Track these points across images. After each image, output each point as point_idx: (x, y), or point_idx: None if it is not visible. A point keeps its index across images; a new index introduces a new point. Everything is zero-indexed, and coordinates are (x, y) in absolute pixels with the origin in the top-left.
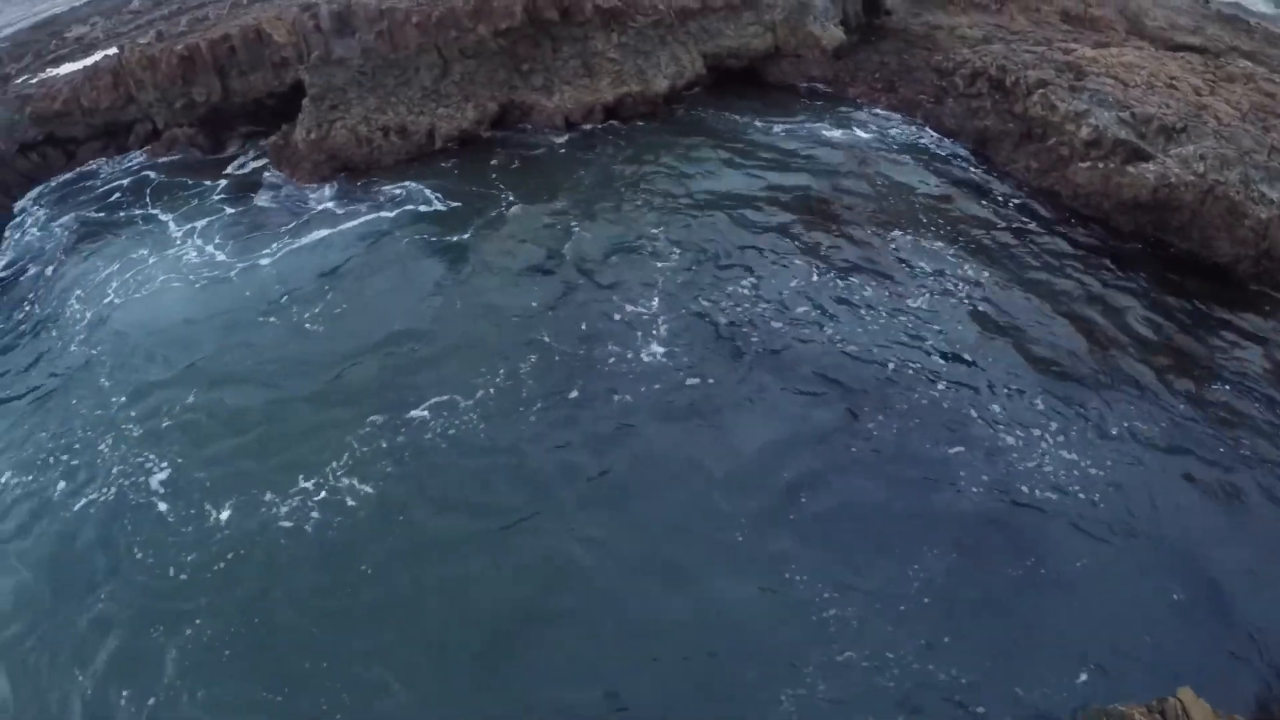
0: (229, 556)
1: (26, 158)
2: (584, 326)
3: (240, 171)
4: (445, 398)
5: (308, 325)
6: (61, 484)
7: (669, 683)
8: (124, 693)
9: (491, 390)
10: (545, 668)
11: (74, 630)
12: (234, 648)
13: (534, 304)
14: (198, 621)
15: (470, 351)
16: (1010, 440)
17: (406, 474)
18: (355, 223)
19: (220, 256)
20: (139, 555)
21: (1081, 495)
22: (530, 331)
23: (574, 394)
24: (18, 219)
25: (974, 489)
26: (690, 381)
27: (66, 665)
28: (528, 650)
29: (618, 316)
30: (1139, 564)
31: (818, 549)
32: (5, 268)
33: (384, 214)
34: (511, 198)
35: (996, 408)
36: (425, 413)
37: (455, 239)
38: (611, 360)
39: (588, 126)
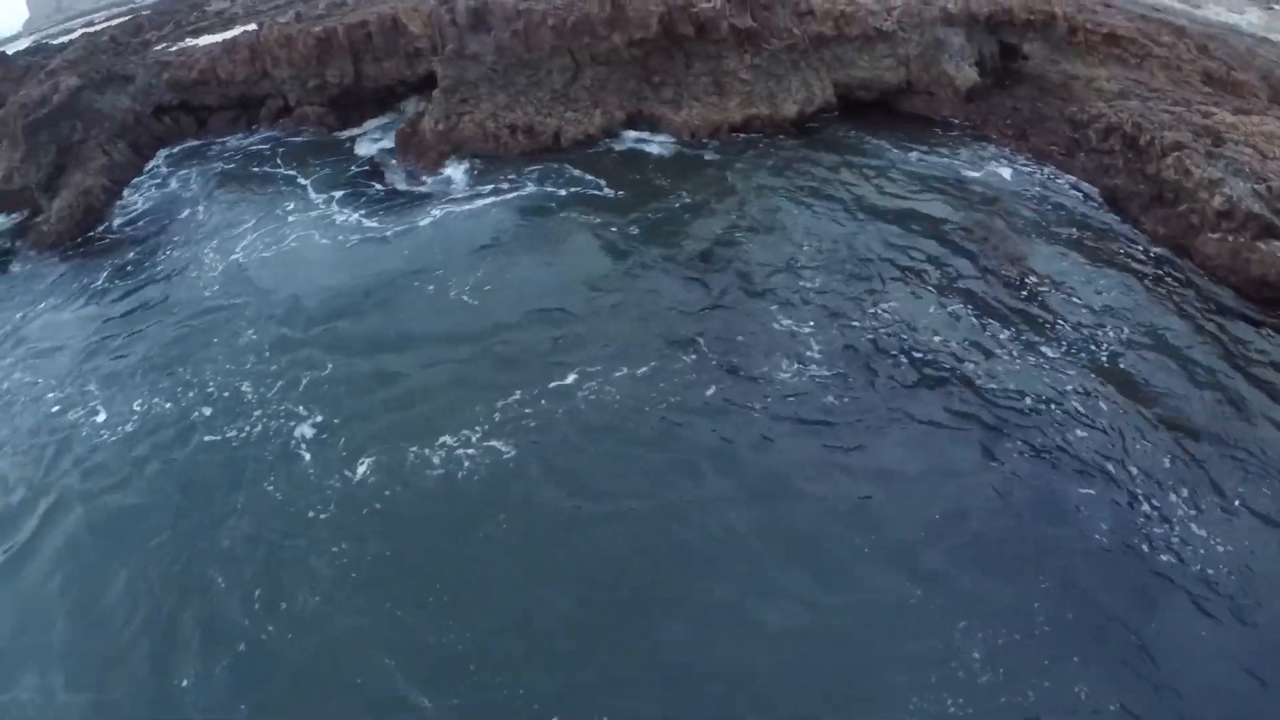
0: (365, 503)
1: (160, 121)
2: (730, 328)
3: (366, 152)
4: (589, 378)
5: (453, 293)
6: (205, 419)
7: (796, 681)
8: (254, 607)
9: (635, 375)
10: (667, 650)
11: (214, 549)
12: (364, 577)
13: (679, 297)
14: (330, 557)
15: (616, 336)
16: (1140, 496)
17: (542, 444)
18: (492, 201)
19: (360, 223)
20: (277, 493)
21: (1204, 570)
22: (675, 324)
23: (711, 391)
24: (150, 175)
25: (1097, 536)
26: (830, 399)
27: (202, 577)
28: (646, 629)
29: (763, 323)
30: (1249, 655)
31: (948, 570)
32: (142, 218)
33: (523, 197)
34: (650, 196)
35: (1128, 462)
36: (567, 389)
37: (599, 228)
38: (755, 366)
39: (714, 141)
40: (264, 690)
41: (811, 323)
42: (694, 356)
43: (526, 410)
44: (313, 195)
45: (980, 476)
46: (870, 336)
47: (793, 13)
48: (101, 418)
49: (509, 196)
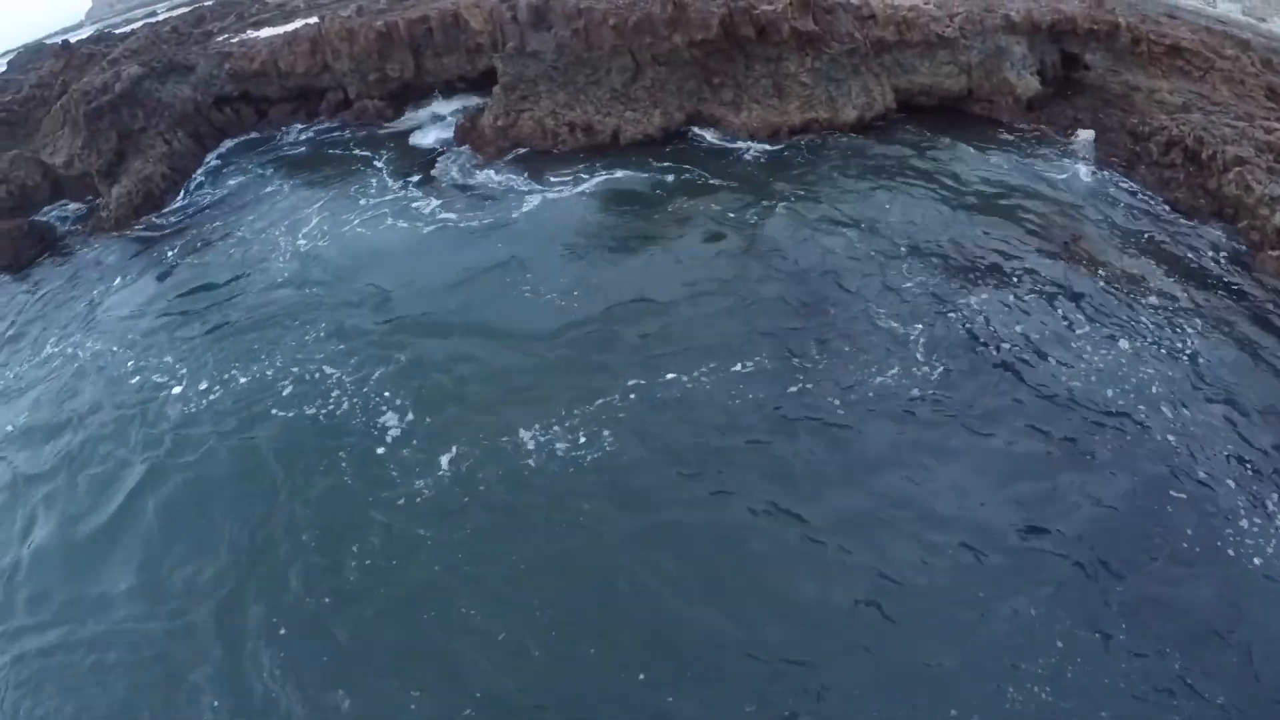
0: (455, 490)
1: (221, 111)
2: (823, 325)
3: (425, 144)
4: (683, 374)
5: (530, 286)
6: (284, 398)
7: (879, 666)
8: (339, 585)
9: (730, 371)
10: (751, 638)
11: (297, 523)
12: (455, 561)
13: (766, 294)
14: (420, 540)
15: (706, 333)
16: (1225, 498)
17: (634, 438)
18: (556, 197)
19: (428, 214)
20: (361, 473)
21: None
22: (764, 321)
23: (805, 387)
24: (211, 165)
25: (1184, 544)
26: (924, 396)
27: (283, 551)
28: (732, 620)
29: (856, 320)
30: None
31: (1034, 567)
32: (205, 205)
33: (589, 194)
34: (718, 194)
35: (1212, 463)
36: (661, 384)
37: (673, 225)
38: (849, 361)
39: (778, 142)
40: (351, 667)
41: (904, 319)
42: (787, 353)
43: (618, 404)
44: (377, 185)
45: (1068, 476)
46: (962, 333)
47: (854, 17)
48: (178, 390)
49: (573, 192)
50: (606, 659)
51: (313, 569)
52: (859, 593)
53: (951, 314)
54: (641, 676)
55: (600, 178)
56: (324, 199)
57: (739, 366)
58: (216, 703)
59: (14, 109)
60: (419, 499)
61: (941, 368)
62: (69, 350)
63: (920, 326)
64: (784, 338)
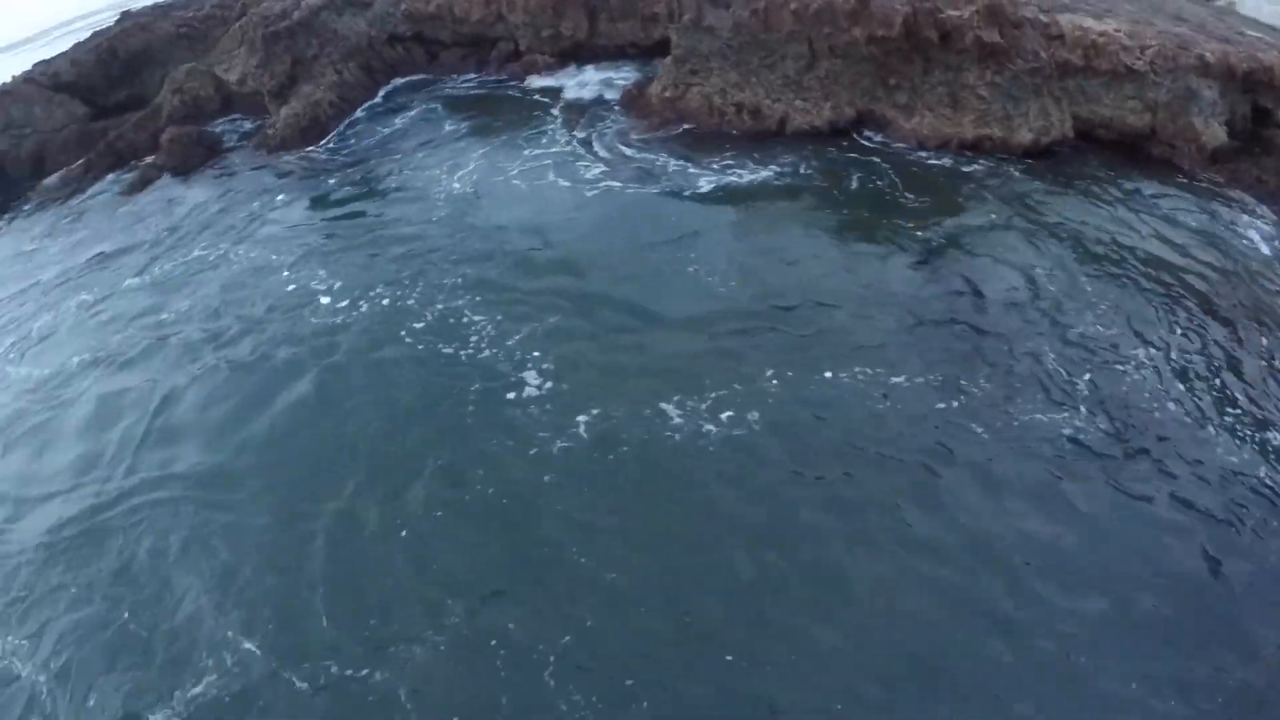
0: (587, 454)
1: (393, 48)
2: (978, 352)
3: (589, 106)
4: (832, 373)
5: (690, 265)
6: (422, 330)
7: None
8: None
9: (879, 382)
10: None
11: (413, 438)
12: (579, 525)
13: (925, 310)
14: (548, 503)
15: (864, 340)
16: None
17: (770, 424)
18: (721, 178)
19: (588, 177)
20: (492, 417)
21: None
22: (920, 335)
23: (948, 412)
24: (380, 99)
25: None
26: (1071, 447)
27: (402, 459)
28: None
29: (1011, 353)
30: None
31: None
32: (369, 137)
33: (754, 180)
34: (883, 200)
35: None
36: (808, 380)
37: (838, 226)
38: (998, 393)
39: (946, 154)
40: (456, 586)
41: (1072, 363)
42: (946, 375)
43: (766, 392)
44: (540, 140)
45: (1213, 552)
46: (1125, 389)
47: (1042, 35)
48: (327, 300)
49: (741, 178)
50: (688, 633)
51: (431, 491)
52: (975, 631)
53: (1118, 366)
54: (729, 658)
55: (769, 166)
56: (486, 146)
57: (895, 378)
58: (319, 597)
59: (194, 25)
60: (548, 450)
61: (1102, 421)
62: (227, 252)
63: (1087, 375)
64: (946, 359)
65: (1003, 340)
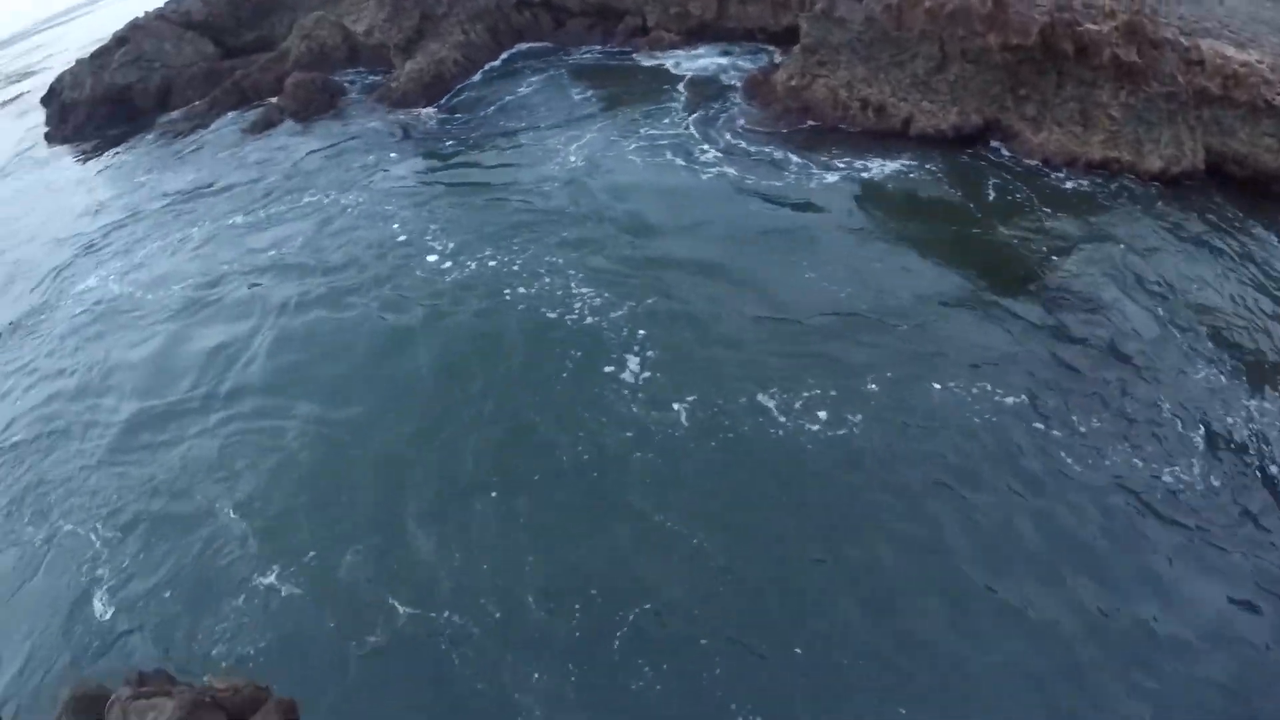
0: (682, 440)
1: (520, 13)
2: (1092, 387)
3: (712, 87)
4: (939, 384)
5: (801, 261)
6: (525, 296)
7: None
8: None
9: (985, 400)
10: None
11: (508, 395)
12: (668, 509)
13: (1049, 339)
14: (629, 460)
15: (975, 356)
16: None
17: (869, 426)
18: (844, 176)
19: (705, 160)
20: (590, 391)
21: None
22: (1038, 359)
23: (1050, 440)
24: (503, 63)
25: None
26: (1176, 501)
27: (497, 414)
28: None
29: (1133, 398)
30: None
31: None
32: (490, 99)
33: (878, 180)
34: (1010, 217)
35: None
36: (913, 387)
37: (964, 239)
38: (1112, 437)
39: (1072, 173)
40: (539, 541)
41: (1188, 410)
42: (1054, 404)
43: (869, 394)
44: (659, 118)
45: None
46: (1242, 445)
47: (1181, 59)
48: (434, 258)
49: (864, 177)
50: (756, 618)
51: (524, 447)
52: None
53: (1235, 421)
54: (797, 651)
55: (892, 167)
56: (604, 119)
57: (1001, 400)
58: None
59: None
60: (641, 426)
61: (1215, 480)
62: (339, 199)
63: (1202, 427)
64: (1056, 389)
65: (1118, 378)
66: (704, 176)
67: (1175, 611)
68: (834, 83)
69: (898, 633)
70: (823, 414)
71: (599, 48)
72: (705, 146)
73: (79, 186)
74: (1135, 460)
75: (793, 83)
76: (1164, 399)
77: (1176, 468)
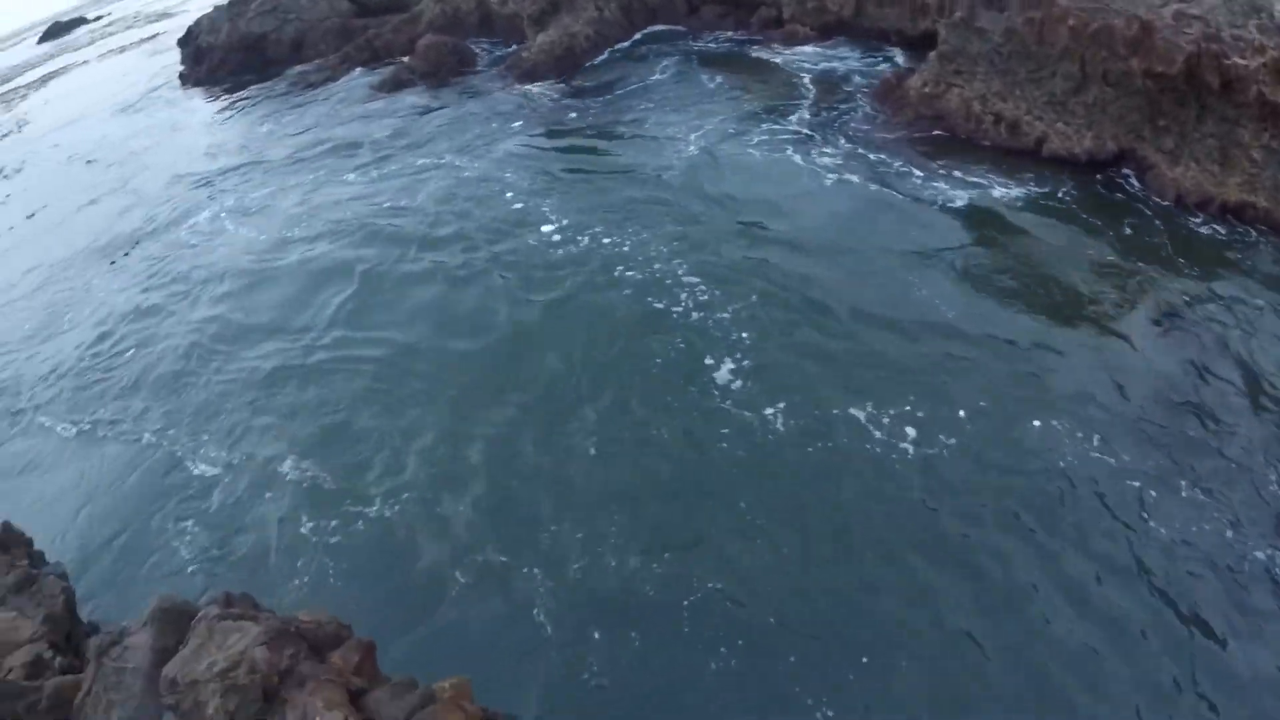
0: (763, 429)
1: None
2: (1205, 459)
3: (841, 87)
4: (1039, 421)
5: (920, 282)
6: (632, 280)
7: None
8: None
9: (1082, 445)
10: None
11: (603, 375)
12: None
13: (1173, 399)
14: (714, 452)
15: (1093, 395)
16: None
17: (962, 452)
18: (977, 194)
19: (832, 163)
20: (679, 386)
21: None
22: (1151, 416)
23: (1145, 496)
24: (635, 41)
25: None
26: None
27: (590, 392)
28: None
29: (1238, 469)
30: None
31: None
32: (619, 78)
33: (1013, 204)
34: (1159, 260)
35: None
36: (1013, 421)
37: (1097, 276)
38: (1214, 509)
39: (1208, 217)
40: (615, 508)
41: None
42: (1160, 465)
43: (964, 421)
44: (785, 115)
45: None
46: None
47: None
48: (548, 228)
49: (987, 192)
50: (818, 625)
51: (615, 426)
52: None
53: None
54: (865, 660)
55: (1020, 187)
56: (729, 110)
57: (1106, 449)
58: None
59: None
60: (734, 423)
61: None
62: (457, 163)
63: None
64: (1168, 447)
65: (1241, 448)
66: (825, 179)
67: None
68: (968, 94)
69: (963, 661)
70: (913, 432)
71: (731, 35)
72: (828, 148)
73: (205, 128)
74: (1230, 534)
75: (926, 89)
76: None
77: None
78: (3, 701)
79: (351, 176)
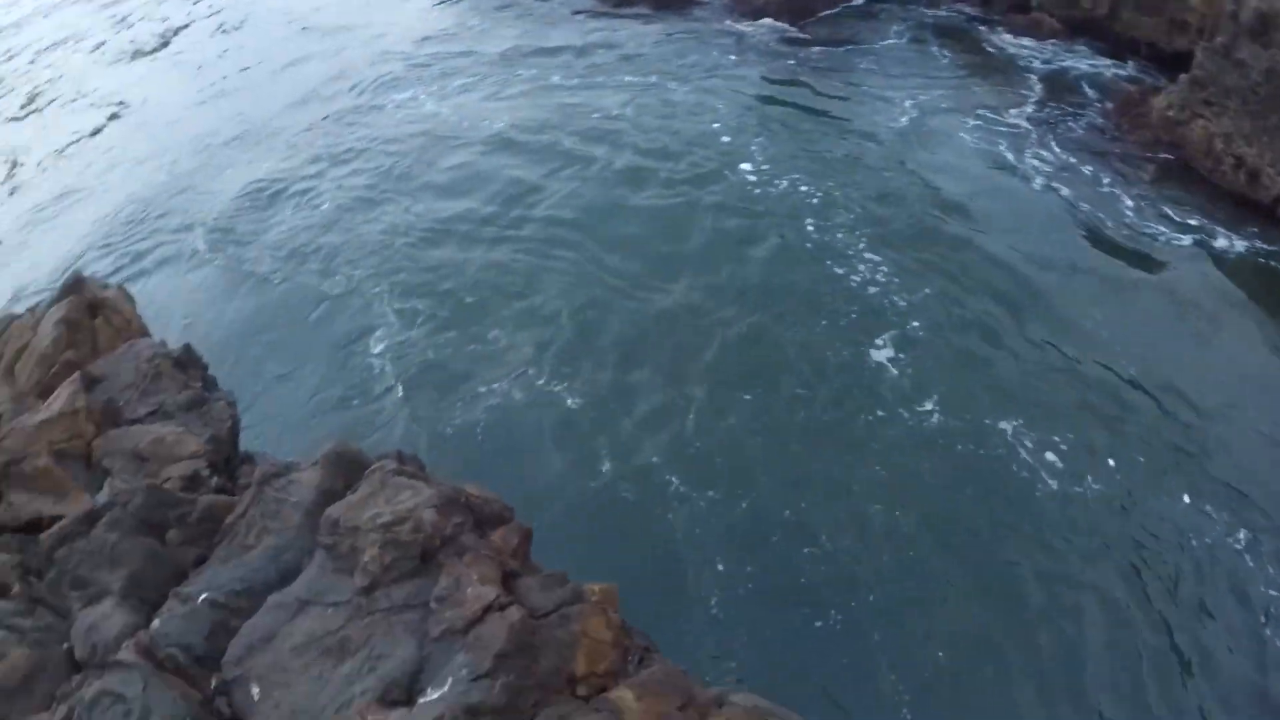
0: (911, 422)
1: None
2: None
3: (1073, 91)
4: (1184, 497)
5: (1116, 311)
6: (816, 242)
7: None
8: None
9: (1234, 540)
10: None
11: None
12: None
13: None
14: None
15: (1260, 484)
16: None
17: (1091, 499)
18: (1207, 247)
19: (1044, 168)
20: (835, 331)
21: None
22: None
23: None
24: (865, 3)
25: None
26: None
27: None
28: None
29: None
30: None
31: None
32: (849, 39)
33: (1245, 261)
34: None
35: None
36: (1179, 472)
37: None
38: None
39: None
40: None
41: None
42: None
43: (1108, 470)
44: (1007, 108)
45: None
46: None
47: None
48: (747, 167)
49: (1213, 241)
50: (924, 620)
51: (772, 378)
52: None
53: None
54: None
55: (1245, 243)
56: (951, 88)
57: (1253, 543)
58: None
59: None
60: (889, 409)
61: None
62: (667, 85)
63: None
64: None
65: None
66: (1034, 182)
67: None
68: (1213, 129)
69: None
70: (1060, 465)
71: (969, 12)
72: (1045, 151)
73: (421, 14)
74: None
75: (1170, 113)
76: None
77: None
78: (157, 508)
79: (557, 78)
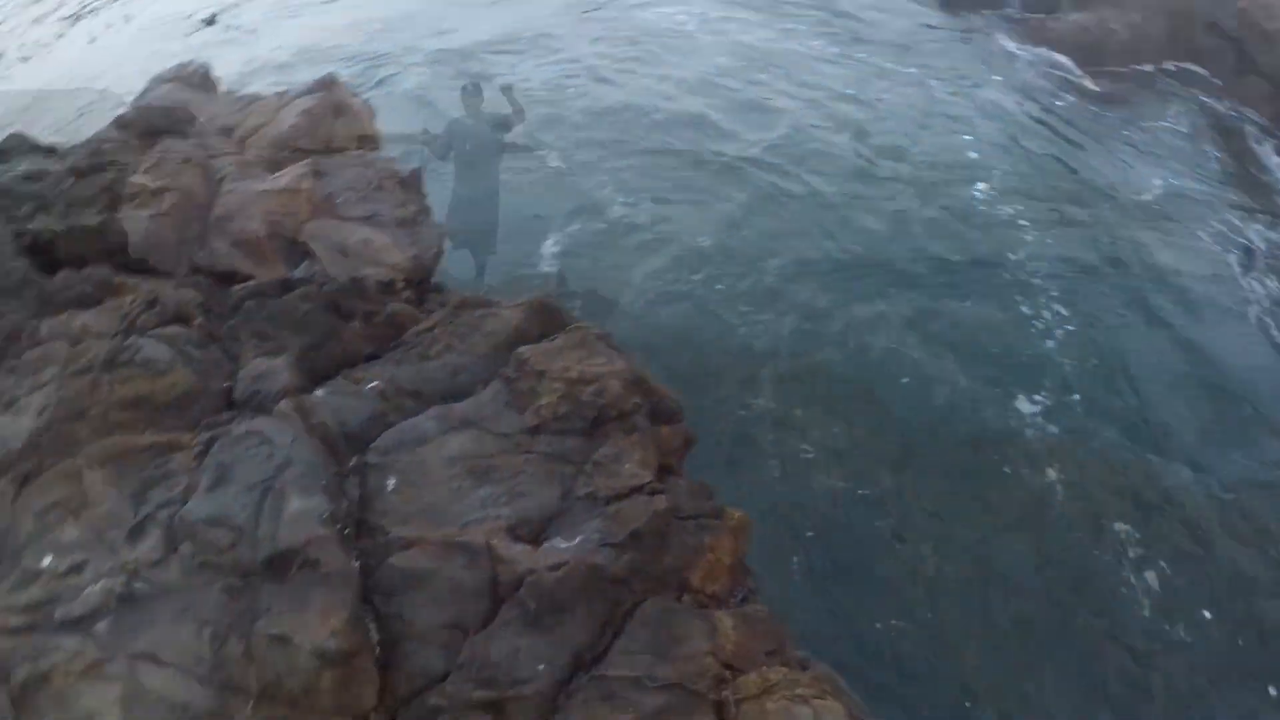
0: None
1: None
2: None
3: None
4: None
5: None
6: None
7: None
8: None
9: None
10: None
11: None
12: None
13: None
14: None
15: None
16: None
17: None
18: None
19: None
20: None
21: None
22: None
23: None
24: (1165, 75)
25: None
26: None
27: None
28: None
29: None
30: None
31: None
32: (1118, 102)
33: None
34: None
35: None
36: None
37: None
38: None
39: None
40: None
41: None
42: None
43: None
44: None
45: None
46: None
47: None
48: (982, 186)
49: None
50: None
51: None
52: None
53: None
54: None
55: None
56: (1201, 182)
57: None
58: None
59: None
60: (1045, 409)
61: None
62: (930, 81)
63: None
64: None
65: None
66: (1247, 313)
67: None
68: None
69: None
70: (1169, 570)
71: (1255, 118)
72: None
73: None
74: None
75: None
76: None
77: None
78: (350, 297)
79: (818, 45)
